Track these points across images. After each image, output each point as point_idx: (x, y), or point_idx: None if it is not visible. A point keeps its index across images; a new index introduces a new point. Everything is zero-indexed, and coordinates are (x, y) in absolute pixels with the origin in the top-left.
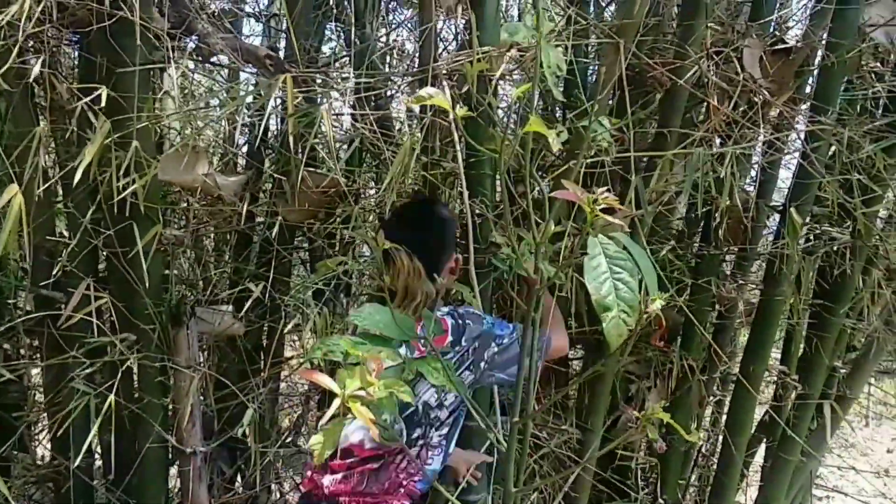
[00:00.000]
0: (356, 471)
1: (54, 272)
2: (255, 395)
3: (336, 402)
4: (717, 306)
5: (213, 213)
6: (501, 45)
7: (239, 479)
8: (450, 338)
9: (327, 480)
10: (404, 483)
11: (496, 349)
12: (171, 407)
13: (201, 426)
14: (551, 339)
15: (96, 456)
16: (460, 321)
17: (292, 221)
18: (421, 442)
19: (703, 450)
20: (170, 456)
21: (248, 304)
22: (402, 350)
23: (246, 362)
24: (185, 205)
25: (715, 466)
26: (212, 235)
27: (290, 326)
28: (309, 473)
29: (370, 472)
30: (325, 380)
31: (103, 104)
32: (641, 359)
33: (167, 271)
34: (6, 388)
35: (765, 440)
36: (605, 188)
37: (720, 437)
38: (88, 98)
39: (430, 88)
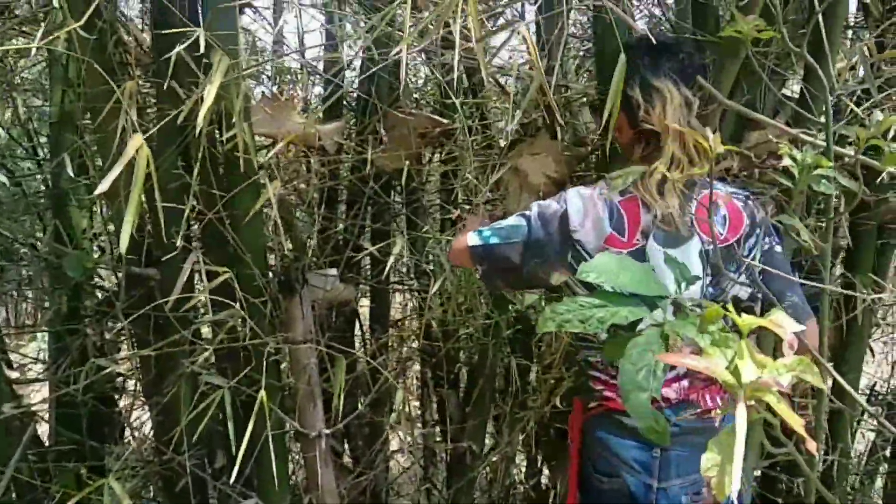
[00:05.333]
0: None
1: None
2: (366, 368)
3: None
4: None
5: (308, 168)
6: None
7: (346, 457)
8: (746, 220)
9: (672, 392)
10: None
11: (777, 249)
12: (288, 387)
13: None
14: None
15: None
16: (749, 202)
17: (387, 169)
18: None
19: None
20: (287, 440)
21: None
22: (693, 242)
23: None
24: (277, 160)
25: None
26: (310, 192)
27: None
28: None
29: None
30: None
31: (201, 49)
32: None
33: (269, 235)
34: (99, 379)
35: None
36: None
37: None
38: (186, 44)
39: None
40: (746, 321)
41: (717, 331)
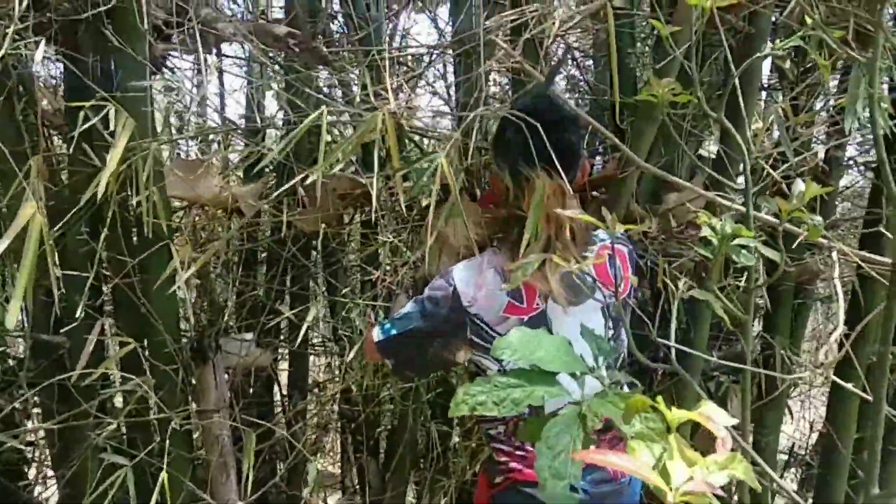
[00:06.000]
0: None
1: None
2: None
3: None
4: None
5: (222, 228)
6: None
7: None
8: (631, 269)
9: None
10: None
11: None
12: (201, 458)
13: (236, 478)
14: None
15: None
16: (632, 252)
17: (306, 231)
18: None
19: (797, 447)
20: None
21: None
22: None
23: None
24: (192, 222)
25: (817, 466)
26: (221, 256)
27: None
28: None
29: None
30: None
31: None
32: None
33: (183, 299)
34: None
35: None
36: None
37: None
38: (98, 118)
39: None
40: (675, 415)
41: (643, 423)
